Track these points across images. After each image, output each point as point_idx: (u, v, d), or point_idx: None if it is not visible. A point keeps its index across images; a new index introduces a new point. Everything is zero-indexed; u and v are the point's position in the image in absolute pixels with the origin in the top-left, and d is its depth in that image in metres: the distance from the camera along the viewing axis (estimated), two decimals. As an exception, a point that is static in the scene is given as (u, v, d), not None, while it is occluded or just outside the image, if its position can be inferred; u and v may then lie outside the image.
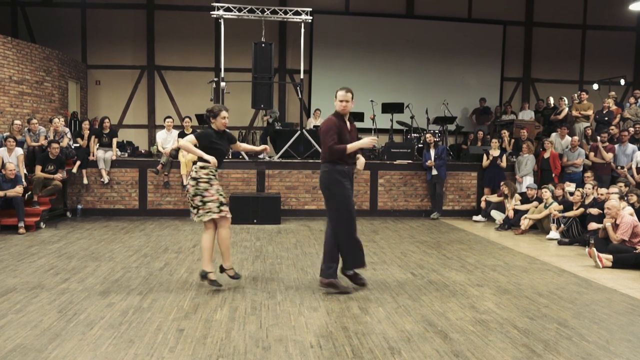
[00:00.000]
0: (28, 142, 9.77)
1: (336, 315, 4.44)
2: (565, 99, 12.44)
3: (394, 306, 4.74)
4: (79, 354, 3.56)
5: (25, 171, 9.20)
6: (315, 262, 6.52)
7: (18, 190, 8.46)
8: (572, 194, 8.81)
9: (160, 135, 10.74)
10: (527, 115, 13.22)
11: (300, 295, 5.05)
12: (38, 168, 9.28)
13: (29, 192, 8.98)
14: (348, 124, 5.16)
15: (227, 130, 5.37)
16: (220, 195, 5.14)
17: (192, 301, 4.78)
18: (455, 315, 4.51)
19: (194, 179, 5.06)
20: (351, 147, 5.03)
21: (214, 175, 5.15)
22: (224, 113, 5.21)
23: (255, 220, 9.53)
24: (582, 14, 15.75)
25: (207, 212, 5.06)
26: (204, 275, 5.20)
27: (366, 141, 5.07)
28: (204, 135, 5.14)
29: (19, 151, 9.20)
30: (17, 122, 9.94)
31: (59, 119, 10.24)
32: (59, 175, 9.42)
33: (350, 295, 5.06)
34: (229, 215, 5.22)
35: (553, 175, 10.37)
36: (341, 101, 5.06)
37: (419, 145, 11.95)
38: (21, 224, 8.27)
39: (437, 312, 4.59)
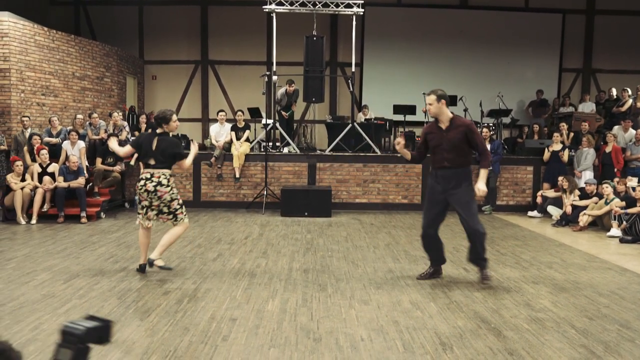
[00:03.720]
0: (89, 136, 10.19)
1: (387, 309, 4.42)
2: (629, 90, 11.85)
3: (445, 302, 4.67)
4: (137, 339, 3.70)
5: (86, 163, 9.60)
6: (365, 255, 6.52)
7: (80, 181, 8.84)
8: (634, 189, 8.41)
9: (213, 128, 10.97)
10: (588, 107, 12.70)
11: (351, 288, 5.05)
12: (98, 160, 9.67)
13: (90, 184, 9.38)
14: (443, 126, 5.06)
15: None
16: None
17: (245, 291, 4.87)
18: (510, 312, 4.41)
19: (168, 185, 5.19)
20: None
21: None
22: (174, 117, 5.34)
23: (306, 213, 9.59)
24: (648, 0, 14.95)
25: (185, 215, 5.42)
26: (151, 263, 5.33)
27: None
28: (177, 143, 5.44)
29: (81, 144, 9.62)
30: (80, 116, 10.38)
31: (117, 113, 10.63)
32: (117, 168, 9.79)
33: (401, 289, 5.03)
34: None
35: (615, 170, 9.93)
36: (426, 104, 5.17)
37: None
38: (83, 214, 8.64)
39: (490, 308, 4.50)
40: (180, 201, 5.35)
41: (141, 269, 5.43)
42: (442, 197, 5.13)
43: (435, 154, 5.13)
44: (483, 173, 5.06)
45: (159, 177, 5.18)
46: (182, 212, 5.34)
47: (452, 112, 5.13)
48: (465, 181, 5.07)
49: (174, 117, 5.34)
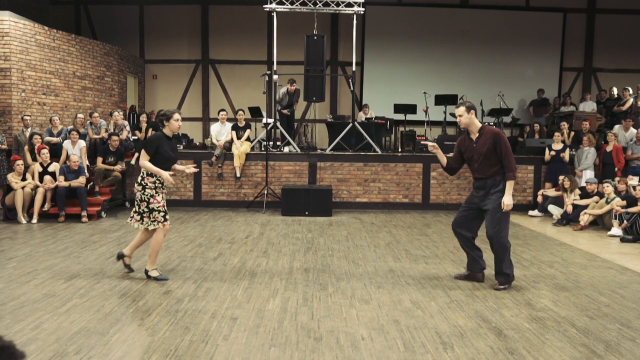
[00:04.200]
0: (90, 135, 10.20)
1: (387, 309, 4.42)
2: (629, 89, 11.85)
3: (446, 301, 4.67)
4: (138, 338, 3.70)
5: (87, 163, 9.61)
6: (366, 254, 6.52)
7: (81, 180, 8.85)
8: (635, 188, 8.40)
9: (214, 127, 10.97)
10: (589, 106, 12.69)
11: (352, 287, 5.05)
12: (99, 160, 9.67)
13: (91, 183, 9.38)
14: (474, 137, 5.11)
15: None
16: (164, 205, 5.14)
17: (245, 291, 4.87)
18: (510, 312, 4.40)
19: (140, 184, 5.04)
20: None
21: (161, 185, 5.11)
22: (177, 115, 5.13)
23: (306, 212, 9.60)
24: (649, 0, 14.94)
25: (154, 222, 5.08)
26: (121, 256, 5.41)
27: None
28: (152, 140, 5.05)
29: (82, 143, 9.62)
30: (80, 115, 10.38)
31: (118, 112, 10.63)
32: (118, 167, 9.79)
33: (401, 288, 5.03)
34: (169, 226, 5.25)
35: (616, 169, 9.92)
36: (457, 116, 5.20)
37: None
38: (84, 213, 8.64)
39: (491, 308, 4.50)
40: (154, 206, 5.03)
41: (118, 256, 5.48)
42: (476, 205, 5.19)
43: (470, 165, 5.20)
44: (508, 185, 4.97)
45: (140, 175, 5.09)
46: (149, 217, 5.06)
47: (481, 122, 5.19)
48: (494, 189, 5.04)
49: (176, 115, 5.11)
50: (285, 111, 11.55)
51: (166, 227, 5.15)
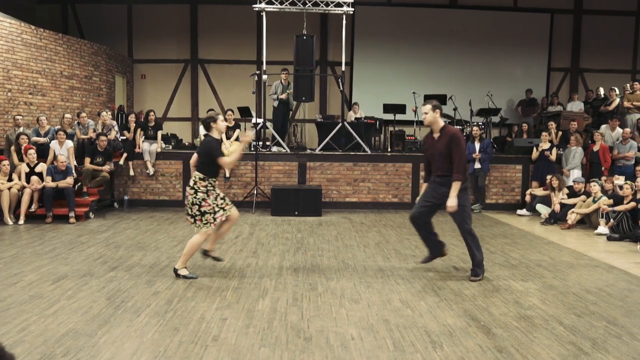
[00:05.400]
0: (78, 135, 10.11)
1: (377, 308, 4.43)
2: (616, 89, 11.97)
3: (435, 300, 4.69)
4: (126, 339, 3.68)
5: (75, 163, 9.53)
6: (356, 254, 6.53)
7: (69, 181, 8.77)
8: (621, 187, 8.49)
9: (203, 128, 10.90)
10: (576, 106, 12.80)
11: (341, 287, 5.06)
12: (87, 160, 9.59)
13: (79, 183, 9.31)
14: (436, 136, 5.33)
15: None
16: (216, 204, 5.21)
17: (235, 291, 4.86)
18: (499, 310, 4.43)
19: (193, 188, 5.14)
20: None
21: (213, 187, 5.21)
22: (221, 117, 5.33)
23: (296, 212, 9.59)
24: (635, 0, 15.07)
25: (205, 224, 5.17)
26: (205, 253, 5.55)
27: None
28: (212, 145, 5.18)
29: (69, 144, 9.54)
30: (68, 115, 10.29)
31: (106, 112, 10.55)
32: (106, 167, 9.72)
33: (391, 288, 5.05)
34: (226, 216, 5.29)
35: (603, 168, 10.02)
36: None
37: (462, 138, 11.76)
38: (72, 214, 8.57)
39: (480, 306, 4.52)
40: (207, 209, 5.14)
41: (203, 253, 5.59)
42: (436, 200, 5.38)
43: (432, 163, 5.39)
44: (454, 186, 5.15)
45: (193, 179, 5.20)
46: (201, 220, 5.15)
47: (444, 121, 5.39)
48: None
49: (220, 116, 5.31)
50: (283, 95, 11.48)
51: (206, 233, 5.23)
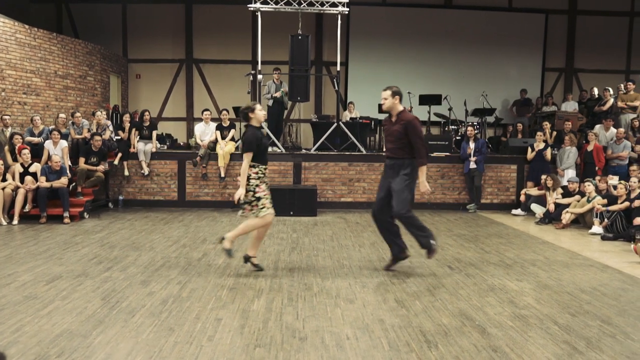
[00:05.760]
0: (72, 135, 10.07)
1: (372, 308, 4.44)
2: (610, 89, 12.03)
3: (430, 299, 4.70)
4: (121, 340, 3.67)
5: (69, 163, 9.49)
6: (351, 254, 6.53)
7: (63, 181, 8.74)
8: (615, 187, 8.53)
9: (198, 127, 10.90)
10: (571, 106, 12.85)
11: (336, 287, 5.06)
12: (81, 160, 9.56)
13: (73, 184, 9.27)
14: (393, 119, 5.50)
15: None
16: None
17: (230, 291, 4.86)
18: (494, 310, 4.45)
19: (249, 177, 5.31)
20: None
21: (264, 174, 5.36)
22: (259, 105, 5.44)
23: (291, 212, 9.59)
24: (629, 1, 15.15)
25: (262, 208, 5.31)
26: (247, 259, 5.60)
27: None
28: (253, 138, 5.28)
29: (64, 144, 9.50)
30: (62, 115, 10.25)
31: (101, 112, 10.52)
32: (101, 167, 9.69)
33: (386, 287, 5.05)
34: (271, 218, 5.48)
35: (597, 168, 10.06)
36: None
37: (457, 138, 11.80)
38: (66, 214, 8.54)
39: (474, 306, 4.53)
40: (261, 194, 5.29)
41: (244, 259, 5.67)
42: (386, 183, 5.53)
43: (385, 144, 5.65)
44: (420, 171, 5.40)
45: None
46: (257, 206, 5.30)
47: (404, 108, 5.56)
48: (403, 171, 5.38)
49: (258, 105, 5.41)
50: (277, 94, 11.46)
51: (266, 219, 5.35)
